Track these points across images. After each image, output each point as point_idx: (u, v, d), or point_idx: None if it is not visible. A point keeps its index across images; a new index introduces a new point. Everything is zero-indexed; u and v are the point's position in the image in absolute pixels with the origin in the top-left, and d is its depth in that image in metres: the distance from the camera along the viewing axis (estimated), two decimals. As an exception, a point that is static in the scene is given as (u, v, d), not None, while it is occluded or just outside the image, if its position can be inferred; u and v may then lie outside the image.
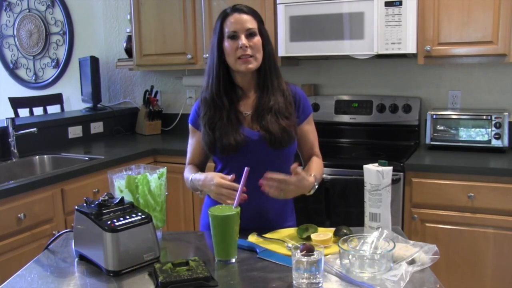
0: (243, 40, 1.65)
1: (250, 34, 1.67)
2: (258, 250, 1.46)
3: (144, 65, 3.54)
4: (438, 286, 1.24)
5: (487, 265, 2.42)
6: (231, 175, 1.58)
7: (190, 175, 1.74)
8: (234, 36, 1.67)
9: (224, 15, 1.70)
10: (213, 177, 1.60)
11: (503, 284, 2.40)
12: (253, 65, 1.68)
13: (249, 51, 1.66)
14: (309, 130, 1.81)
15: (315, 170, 1.72)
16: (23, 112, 3.94)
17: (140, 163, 1.82)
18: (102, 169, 2.72)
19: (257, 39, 1.69)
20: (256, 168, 1.56)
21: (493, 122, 2.70)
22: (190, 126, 1.84)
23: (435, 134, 2.84)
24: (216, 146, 1.69)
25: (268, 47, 1.73)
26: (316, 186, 1.66)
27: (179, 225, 3.11)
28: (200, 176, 1.67)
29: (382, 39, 2.67)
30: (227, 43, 1.68)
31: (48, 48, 4.44)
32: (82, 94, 4.01)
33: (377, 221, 1.50)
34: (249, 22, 1.68)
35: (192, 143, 1.84)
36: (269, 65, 1.73)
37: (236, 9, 1.70)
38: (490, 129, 2.71)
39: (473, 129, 2.76)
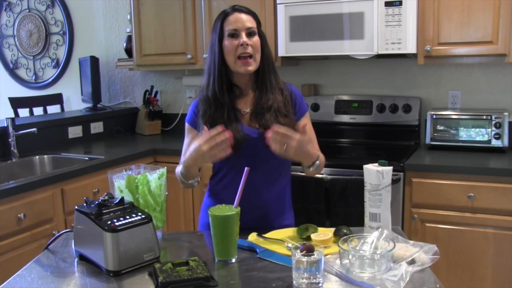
0: (244, 37, 1.67)
1: (250, 33, 1.69)
2: (258, 250, 1.46)
3: (144, 65, 3.54)
4: (438, 286, 1.24)
5: (487, 265, 2.42)
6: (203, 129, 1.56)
7: (179, 168, 1.71)
8: (234, 34, 1.68)
9: (224, 15, 1.72)
10: (194, 144, 1.56)
11: (503, 284, 2.40)
12: (252, 67, 1.69)
13: (249, 49, 1.67)
14: (306, 127, 1.81)
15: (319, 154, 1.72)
16: (23, 112, 3.94)
17: (140, 163, 1.81)
18: (102, 169, 2.72)
19: (257, 39, 1.70)
20: (254, 167, 1.56)
21: (493, 122, 2.70)
22: (187, 125, 1.83)
23: (435, 134, 2.84)
24: None
25: (266, 48, 1.74)
26: (318, 163, 1.66)
27: (179, 225, 3.11)
28: (185, 157, 1.63)
29: (382, 39, 2.67)
30: (227, 42, 1.69)
31: (48, 48, 4.44)
32: (82, 94, 4.01)
33: (377, 221, 1.50)
34: (249, 22, 1.70)
35: (188, 142, 1.82)
36: (267, 66, 1.74)
37: (236, 9, 1.72)
38: (490, 129, 2.71)
39: (473, 129, 2.76)
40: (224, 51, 1.70)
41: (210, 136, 1.53)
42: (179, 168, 1.71)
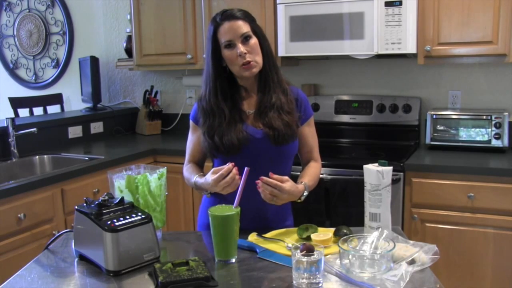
0: (240, 48, 1.65)
1: (245, 38, 1.67)
2: (258, 250, 1.46)
3: (144, 65, 3.54)
4: (438, 286, 1.24)
5: (487, 265, 2.42)
6: (228, 164, 1.56)
7: (192, 177, 1.73)
8: (230, 45, 1.67)
9: (216, 25, 1.69)
10: (208, 178, 1.59)
11: (503, 284, 2.40)
12: (256, 68, 1.69)
13: (248, 57, 1.66)
14: (309, 132, 1.82)
15: (309, 177, 1.74)
16: (23, 112, 3.94)
17: (140, 163, 1.82)
18: (102, 169, 2.72)
19: (253, 41, 1.68)
20: (258, 168, 1.56)
21: (493, 122, 2.70)
22: (191, 122, 1.83)
23: (435, 134, 2.84)
24: (218, 150, 1.69)
25: (265, 45, 1.73)
26: (306, 194, 1.67)
27: (179, 225, 3.11)
28: (202, 180, 1.66)
29: (382, 39, 2.67)
30: (226, 53, 1.68)
31: (48, 48, 4.44)
32: (82, 94, 4.01)
33: (377, 221, 1.50)
34: (242, 27, 1.67)
35: (192, 140, 1.83)
36: (269, 63, 1.74)
37: (226, 16, 1.68)
38: (490, 129, 2.71)
39: (473, 129, 2.76)
40: (221, 60, 1.70)
41: (220, 175, 1.54)
42: (192, 178, 1.72)
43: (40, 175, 2.68)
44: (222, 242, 1.41)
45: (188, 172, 1.78)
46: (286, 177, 1.58)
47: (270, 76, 1.74)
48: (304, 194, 1.67)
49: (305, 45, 2.86)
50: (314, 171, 1.80)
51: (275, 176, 1.56)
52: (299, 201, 1.67)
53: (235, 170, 1.54)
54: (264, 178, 1.54)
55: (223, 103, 1.71)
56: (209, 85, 1.72)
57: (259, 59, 1.70)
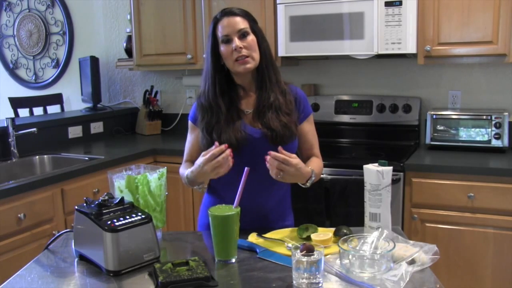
0: (236, 42, 1.66)
1: (242, 35, 1.68)
2: (258, 250, 1.46)
3: (144, 65, 3.54)
4: (438, 286, 1.24)
5: (487, 265, 2.42)
6: (214, 145, 1.56)
7: (185, 171, 1.72)
8: (227, 40, 1.68)
9: (215, 21, 1.71)
10: (198, 161, 1.59)
11: (503, 284, 2.40)
12: (251, 64, 1.69)
13: (244, 52, 1.67)
14: (309, 130, 1.82)
15: (314, 166, 1.73)
16: (23, 112, 3.94)
17: (140, 163, 1.81)
18: (102, 169, 2.72)
19: (251, 38, 1.69)
20: (257, 167, 1.56)
21: (493, 122, 2.70)
22: (189, 122, 1.84)
23: (435, 134, 2.84)
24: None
25: (263, 44, 1.73)
26: (313, 179, 1.66)
27: (179, 225, 3.11)
28: (191, 168, 1.65)
29: (382, 39, 2.67)
30: (222, 48, 1.69)
31: (48, 48, 4.44)
32: (82, 94, 4.01)
33: (377, 221, 1.50)
34: (240, 23, 1.68)
35: (191, 140, 1.84)
36: (266, 63, 1.74)
37: (225, 13, 1.70)
38: (490, 129, 2.71)
39: (473, 129, 2.76)
40: (220, 57, 1.71)
41: (212, 155, 1.53)
42: (185, 172, 1.71)
43: (40, 175, 2.68)
44: (222, 242, 1.41)
45: (183, 169, 1.77)
46: (294, 155, 1.59)
47: (267, 75, 1.73)
48: (312, 178, 1.66)
49: (305, 45, 2.86)
50: (317, 163, 1.80)
51: (284, 151, 1.56)
52: (304, 185, 1.66)
53: (228, 151, 1.53)
54: (272, 152, 1.54)
55: (220, 99, 1.71)
56: (208, 82, 1.73)
57: (256, 55, 1.70)
